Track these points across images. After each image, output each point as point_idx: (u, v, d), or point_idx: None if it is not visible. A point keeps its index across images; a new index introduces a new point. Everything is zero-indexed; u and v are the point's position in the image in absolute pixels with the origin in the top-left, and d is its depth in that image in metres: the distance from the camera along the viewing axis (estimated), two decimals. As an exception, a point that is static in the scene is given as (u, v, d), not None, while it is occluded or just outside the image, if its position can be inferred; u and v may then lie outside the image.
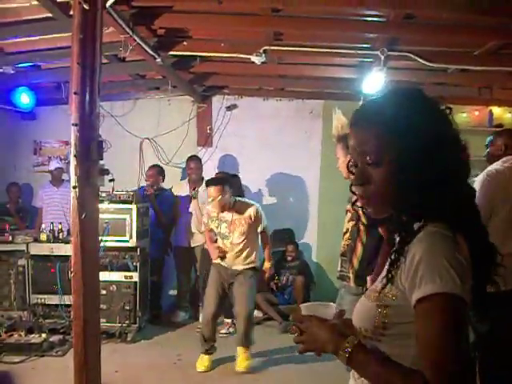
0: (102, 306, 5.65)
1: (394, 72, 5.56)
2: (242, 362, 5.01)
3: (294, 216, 7.21)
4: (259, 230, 5.19)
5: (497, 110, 6.94)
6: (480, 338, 1.42)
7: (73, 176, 3.46)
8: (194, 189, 6.12)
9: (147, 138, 6.97)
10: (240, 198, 5.30)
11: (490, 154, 4.04)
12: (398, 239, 1.33)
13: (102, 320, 5.60)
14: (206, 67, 5.92)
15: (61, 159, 6.99)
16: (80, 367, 3.53)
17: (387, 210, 1.36)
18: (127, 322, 5.71)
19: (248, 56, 5.12)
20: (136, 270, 5.77)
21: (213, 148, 7.16)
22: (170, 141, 6.92)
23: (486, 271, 1.33)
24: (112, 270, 5.71)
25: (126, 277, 5.74)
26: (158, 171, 6.60)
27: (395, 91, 1.40)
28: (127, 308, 5.72)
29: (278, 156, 7.06)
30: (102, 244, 5.59)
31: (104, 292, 5.68)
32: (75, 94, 3.44)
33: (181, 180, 6.90)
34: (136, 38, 4.56)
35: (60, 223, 6.07)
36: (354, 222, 3.68)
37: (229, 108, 7.13)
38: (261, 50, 5.09)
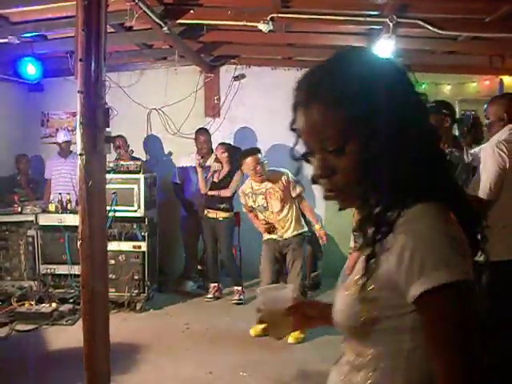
0: (110, 275, 5.71)
1: (403, 40, 5.48)
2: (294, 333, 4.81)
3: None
4: (293, 195, 5.25)
5: (507, 80, 6.83)
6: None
7: (79, 144, 3.45)
8: (202, 157, 6.12)
9: (154, 109, 6.95)
10: (270, 168, 5.38)
11: (492, 122, 3.91)
12: (371, 230, 1.12)
13: (110, 290, 5.67)
14: (213, 36, 5.88)
15: (68, 130, 6.98)
16: (89, 335, 3.55)
17: (358, 199, 1.16)
18: (136, 291, 5.75)
19: (255, 24, 5.07)
20: (144, 240, 5.80)
21: (221, 118, 7.12)
22: (178, 111, 6.89)
23: (476, 243, 1.15)
24: (120, 239, 5.74)
25: (134, 246, 5.78)
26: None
27: (342, 54, 1.17)
28: (136, 278, 5.76)
29: (286, 126, 6.99)
30: (110, 214, 5.68)
31: (113, 262, 5.73)
32: (80, 60, 3.40)
33: None
34: (142, 6, 4.51)
35: (68, 194, 6.11)
36: None
37: (236, 78, 7.07)
38: (268, 18, 5.03)
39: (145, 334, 5.12)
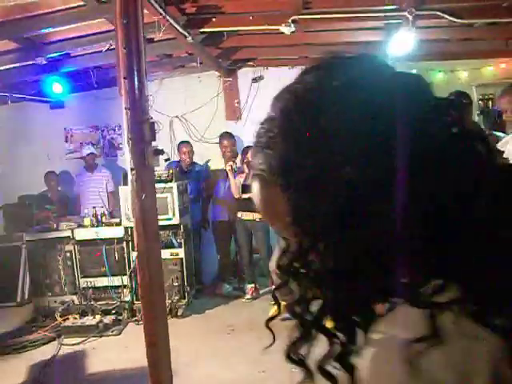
0: (150, 284, 5.86)
1: (421, 31, 5.55)
2: None
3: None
4: None
5: (523, 63, 6.94)
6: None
7: (128, 159, 3.55)
8: (231, 166, 6.21)
9: (176, 116, 7.05)
10: None
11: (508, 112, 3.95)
12: None
13: (152, 297, 5.85)
14: (233, 41, 5.95)
15: (92, 144, 7.09)
16: (151, 344, 3.63)
17: None
18: (176, 297, 5.86)
19: (277, 27, 5.16)
20: (181, 247, 5.90)
21: (242, 121, 7.21)
22: (199, 117, 6.99)
23: None
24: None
25: (172, 254, 5.87)
26: (190, 147, 6.68)
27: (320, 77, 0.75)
28: (175, 284, 5.86)
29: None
30: (146, 224, 5.79)
31: (152, 270, 5.84)
32: (124, 78, 3.50)
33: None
34: (169, 19, 4.60)
35: (101, 207, 6.22)
36: None
37: (255, 80, 7.17)
38: (289, 20, 5.12)
39: (191, 339, 5.22)
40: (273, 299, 1.06)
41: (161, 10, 4.41)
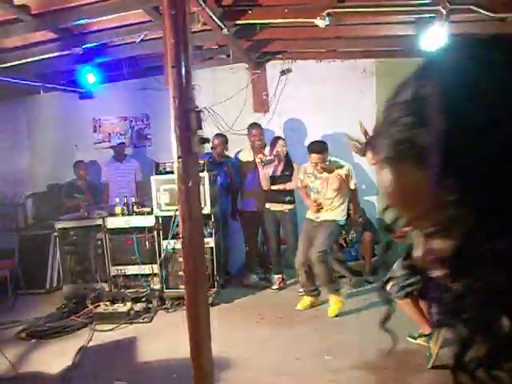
0: (181, 273, 5.92)
1: (452, 25, 5.58)
2: (330, 308, 5.50)
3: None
4: (352, 187, 5.64)
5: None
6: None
7: (175, 146, 3.62)
8: (261, 159, 6.25)
9: (205, 108, 7.09)
10: (334, 158, 5.72)
11: None
12: None
13: (181, 286, 5.93)
14: (265, 34, 5.99)
15: (121, 134, 7.17)
16: (194, 330, 3.70)
17: None
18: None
19: (312, 20, 5.20)
20: (211, 236, 5.97)
21: (270, 113, 7.27)
22: (228, 109, 7.04)
23: None
24: (188, 237, 5.91)
25: (202, 243, 5.94)
26: (223, 140, 6.75)
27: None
28: (206, 273, 5.92)
29: (334, 117, 7.14)
30: (177, 213, 5.86)
31: (182, 259, 5.91)
32: (173, 67, 3.57)
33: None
34: (208, 10, 4.66)
35: (131, 196, 6.30)
36: None
37: (283, 72, 7.22)
38: (324, 14, 5.16)
39: (223, 327, 5.27)
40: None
41: (201, 1, 4.48)
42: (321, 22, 5.21)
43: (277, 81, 7.27)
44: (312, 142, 5.71)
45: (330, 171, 5.59)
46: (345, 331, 5.11)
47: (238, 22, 5.31)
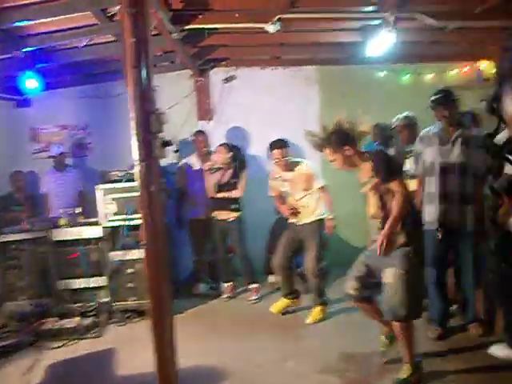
0: (130, 284, 5.76)
1: (398, 33, 5.72)
2: (311, 315, 5.50)
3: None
4: (315, 186, 5.57)
5: (484, 66, 7.25)
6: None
7: (135, 150, 3.50)
8: (209, 167, 6.19)
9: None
10: (295, 159, 5.71)
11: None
12: None
13: (132, 298, 5.75)
14: (209, 40, 5.93)
15: (61, 144, 6.90)
16: (158, 340, 3.56)
17: None
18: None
19: (263, 25, 5.20)
20: (161, 246, 5.80)
21: (214, 121, 7.20)
22: (172, 117, 6.89)
23: None
24: (137, 247, 5.72)
25: (149, 253, 5.77)
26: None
27: None
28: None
29: (278, 124, 7.14)
30: (126, 223, 5.68)
31: (132, 270, 5.74)
32: (134, 67, 3.45)
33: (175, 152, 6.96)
34: (161, 13, 4.57)
35: (75, 207, 6.06)
36: (377, 195, 3.91)
37: (226, 80, 7.18)
38: (275, 19, 5.17)
39: (178, 338, 5.10)
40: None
41: (155, 4, 4.38)
42: (272, 28, 5.23)
43: (220, 88, 7.22)
44: (272, 141, 5.69)
45: (294, 170, 5.60)
46: (304, 337, 5.09)
47: (188, 26, 5.23)
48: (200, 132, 6.68)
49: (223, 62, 7.05)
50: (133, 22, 3.45)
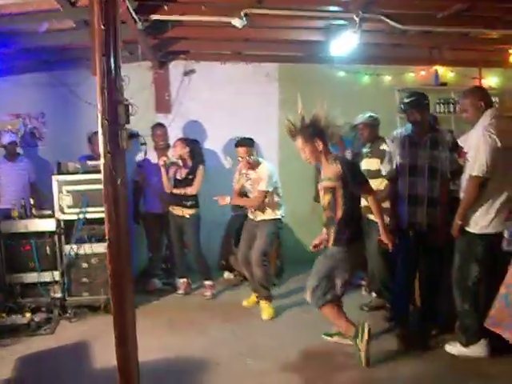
0: (84, 279, 5.62)
1: (362, 34, 5.75)
2: (263, 312, 5.54)
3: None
4: (260, 187, 5.58)
5: (441, 70, 7.42)
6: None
7: (102, 142, 3.40)
8: (164, 162, 6.08)
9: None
10: (260, 159, 5.77)
11: (471, 113, 4.28)
12: None
13: (85, 294, 5.60)
14: (171, 33, 5.81)
15: (13, 132, 6.64)
16: (121, 338, 3.47)
17: None
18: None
19: (230, 19, 5.14)
20: (112, 241, 5.66)
21: (172, 114, 7.09)
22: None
23: None
24: (92, 242, 5.58)
25: (107, 248, 5.61)
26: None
27: None
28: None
29: (237, 119, 7.12)
30: (81, 216, 5.52)
31: (86, 265, 5.60)
32: (103, 55, 3.35)
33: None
34: (127, 2, 4.45)
35: (32, 198, 5.85)
36: (330, 196, 4.17)
37: (186, 73, 7.07)
38: (242, 13, 5.12)
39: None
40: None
41: (121, -9, 4.25)
42: (238, 22, 5.17)
43: (180, 81, 7.11)
44: (239, 138, 5.71)
45: (257, 170, 5.64)
46: (261, 335, 5.07)
47: (153, 17, 5.11)
48: (158, 125, 6.56)
49: (183, 55, 6.94)
50: (102, 9, 3.34)
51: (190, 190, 6.08)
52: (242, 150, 5.53)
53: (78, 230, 5.50)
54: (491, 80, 7.63)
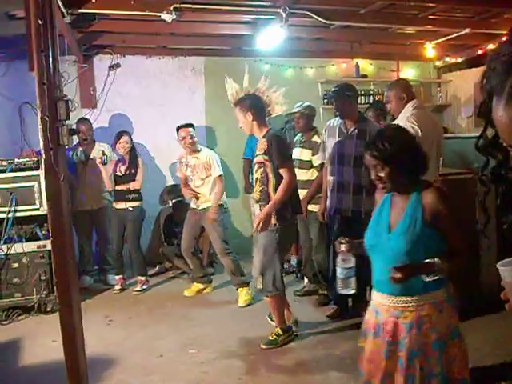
0: (15, 280, 5.48)
1: (289, 28, 5.91)
2: (241, 299, 5.64)
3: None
4: (214, 175, 5.78)
5: (362, 63, 7.73)
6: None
7: (43, 138, 3.37)
8: (100, 158, 6.06)
9: (27, 102, 6.57)
10: (201, 146, 5.97)
11: (394, 103, 4.55)
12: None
13: (17, 295, 5.46)
14: (96, 26, 5.74)
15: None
16: (68, 335, 3.46)
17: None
18: (45, 292, 5.50)
19: (159, 14, 5.15)
20: (48, 238, 5.54)
21: (98, 109, 6.97)
22: (54, 104, 6.60)
23: None
24: (23, 241, 5.44)
25: (38, 246, 5.50)
26: None
27: None
28: (43, 278, 5.51)
29: (163, 113, 7.13)
30: (10, 215, 5.37)
31: (16, 265, 5.46)
32: (41, 52, 3.31)
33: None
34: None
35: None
36: (261, 170, 4.33)
37: (112, 67, 6.96)
38: (171, 8, 5.14)
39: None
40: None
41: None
42: (167, 17, 5.20)
43: (105, 76, 7.01)
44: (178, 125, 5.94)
45: (198, 157, 5.82)
46: (200, 324, 5.14)
47: (81, 10, 5.04)
48: (82, 119, 6.43)
49: (108, 49, 6.84)
50: (39, 4, 3.30)
51: (133, 185, 6.11)
52: (184, 131, 5.76)
53: (8, 229, 5.36)
54: (408, 72, 8.04)
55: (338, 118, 5.01)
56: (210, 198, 5.78)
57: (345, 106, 4.85)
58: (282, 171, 4.25)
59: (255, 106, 4.36)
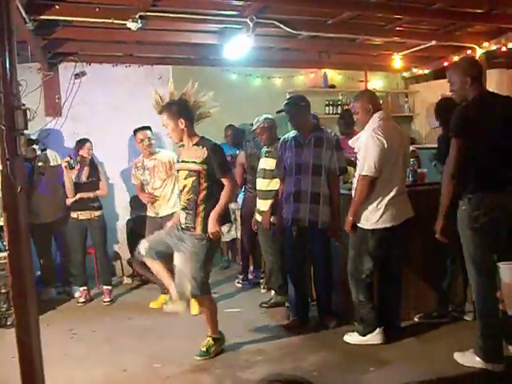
0: (-15, 291, 5.29)
1: (256, 38, 5.89)
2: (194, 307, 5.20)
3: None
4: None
5: (329, 73, 7.75)
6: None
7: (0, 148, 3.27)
8: (67, 161, 5.91)
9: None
10: (160, 149, 5.96)
11: (361, 115, 4.51)
12: None
13: (-15, 306, 5.28)
14: (60, 33, 5.64)
15: None
16: (25, 353, 3.36)
17: None
18: (5, 305, 5.35)
19: (125, 22, 5.08)
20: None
21: (63, 118, 6.83)
22: (17, 112, 6.46)
23: None
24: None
25: (-2, 258, 5.36)
26: None
27: None
28: (3, 291, 5.35)
29: (130, 122, 6.98)
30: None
31: (-24, 278, 5.29)
32: (-2, 58, 3.22)
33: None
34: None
35: None
36: (193, 178, 4.21)
37: (77, 75, 6.82)
38: (137, 16, 5.08)
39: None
40: None
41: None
42: (133, 25, 5.15)
43: (70, 84, 6.87)
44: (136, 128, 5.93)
45: (156, 159, 5.79)
46: (166, 337, 5.04)
47: (43, 16, 4.94)
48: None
49: (73, 57, 6.71)
50: (-6, 9, 3.22)
51: (99, 193, 6.08)
52: (142, 133, 5.76)
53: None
54: (376, 83, 8.10)
55: (292, 131, 4.98)
56: (170, 204, 5.69)
57: (299, 117, 4.85)
58: (224, 180, 4.20)
59: (185, 111, 4.26)
